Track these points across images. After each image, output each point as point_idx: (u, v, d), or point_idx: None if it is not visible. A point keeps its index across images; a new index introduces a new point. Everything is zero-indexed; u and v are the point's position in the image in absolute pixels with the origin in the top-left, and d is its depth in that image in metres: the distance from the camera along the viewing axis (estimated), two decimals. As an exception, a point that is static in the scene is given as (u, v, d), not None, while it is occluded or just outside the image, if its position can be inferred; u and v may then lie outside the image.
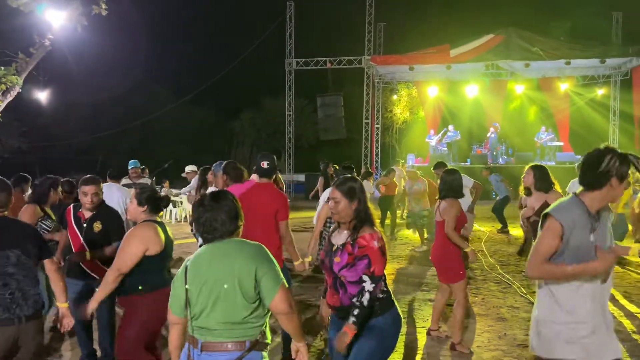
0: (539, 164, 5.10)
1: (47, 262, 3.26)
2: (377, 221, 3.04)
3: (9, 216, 3.29)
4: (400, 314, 3.08)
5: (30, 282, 3.09)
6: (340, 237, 2.98)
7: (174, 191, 14.91)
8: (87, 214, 4.23)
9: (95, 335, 4.47)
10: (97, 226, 4.18)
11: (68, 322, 3.32)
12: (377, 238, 2.87)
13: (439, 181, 5.48)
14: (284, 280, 2.50)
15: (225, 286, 2.38)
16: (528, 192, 4.98)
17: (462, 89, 21.54)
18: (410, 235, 10.92)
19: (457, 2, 30.23)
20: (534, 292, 2.96)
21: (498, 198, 12.29)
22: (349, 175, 3.15)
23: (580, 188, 2.57)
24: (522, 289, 6.90)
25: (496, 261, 8.80)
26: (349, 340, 2.79)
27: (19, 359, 3.04)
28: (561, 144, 20.38)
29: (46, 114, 24.56)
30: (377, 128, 22.87)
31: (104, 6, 7.91)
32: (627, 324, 5.58)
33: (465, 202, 7.24)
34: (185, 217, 14.04)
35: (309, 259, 5.12)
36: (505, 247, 10.21)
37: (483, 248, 9.87)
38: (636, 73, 19.26)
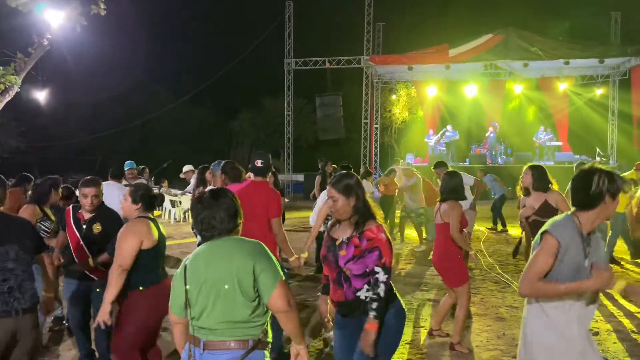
0: (536, 164, 5.11)
1: (44, 256, 3.43)
2: (380, 218, 3.03)
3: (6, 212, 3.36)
4: (404, 307, 3.07)
5: (28, 277, 3.17)
6: (342, 232, 2.96)
7: (173, 191, 14.91)
8: (87, 216, 4.22)
9: (94, 335, 4.47)
10: (97, 228, 4.18)
11: (51, 310, 3.60)
12: (383, 230, 2.90)
13: (439, 181, 5.48)
14: (283, 277, 2.45)
15: (225, 286, 2.35)
16: (526, 192, 4.99)
17: (461, 89, 21.54)
18: (409, 235, 10.92)
19: (456, 2, 30.21)
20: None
21: (495, 197, 12.39)
22: (345, 172, 3.13)
23: (573, 208, 2.61)
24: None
25: (495, 261, 8.80)
26: (375, 336, 2.76)
27: (17, 354, 3.06)
28: (560, 143, 20.38)
29: (45, 113, 24.52)
30: (376, 128, 22.87)
31: (102, 6, 7.92)
32: (626, 323, 5.59)
33: (467, 200, 7.27)
34: (184, 217, 14.03)
35: (305, 255, 5.11)
36: (504, 246, 10.22)
37: (482, 248, 9.88)
38: (635, 73, 19.27)
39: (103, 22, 8.70)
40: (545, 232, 2.53)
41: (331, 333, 3.16)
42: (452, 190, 4.85)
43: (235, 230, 2.55)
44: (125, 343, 3.57)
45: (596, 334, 5.22)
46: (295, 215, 14.30)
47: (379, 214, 3.04)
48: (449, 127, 20.82)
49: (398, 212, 12.66)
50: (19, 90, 8.10)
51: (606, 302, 6.34)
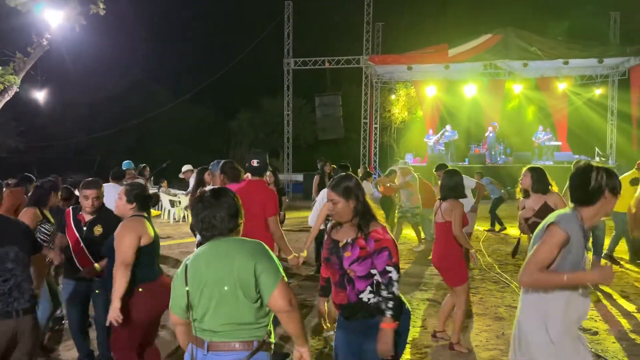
0: (536, 165, 5.11)
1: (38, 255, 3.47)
2: (382, 218, 3.02)
3: (3, 214, 3.38)
4: (409, 308, 3.07)
5: (26, 277, 3.18)
6: (345, 234, 2.95)
7: (172, 191, 14.90)
8: (87, 217, 4.22)
9: (93, 335, 4.46)
10: (98, 230, 4.17)
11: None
12: (388, 231, 2.91)
13: (439, 182, 5.49)
14: (285, 277, 2.42)
15: (226, 287, 2.32)
16: (526, 194, 4.98)
17: (461, 89, 21.55)
18: (408, 234, 10.92)
19: (455, 2, 30.22)
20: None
21: (493, 198, 12.47)
22: (344, 174, 3.11)
23: (572, 205, 2.61)
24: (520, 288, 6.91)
25: (494, 260, 8.81)
26: (393, 337, 2.75)
27: (17, 355, 3.07)
28: (559, 143, 20.40)
29: (44, 113, 24.49)
30: (376, 128, 22.87)
31: (102, 6, 7.91)
32: (624, 322, 5.60)
33: (468, 202, 7.30)
34: (184, 216, 14.03)
35: (304, 254, 5.12)
36: (503, 246, 10.22)
37: (481, 247, 9.88)
38: (634, 73, 19.28)
39: (102, 21, 8.69)
40: (552, 223, 2.51)
41: (331, 333, 3.15)
42: (451, 188, 4.85)
43: (236, 230, 2.51)
44: (124, 341, 3.57)
45: (595, 333, 5.23)
46: (294, 215, 14.30)
47: (380, 215, 3.04)
48: (447, 127, 20.83)
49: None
50: (17, 90, 8.09)
51: (605, 302, 6.35)
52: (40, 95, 13.63)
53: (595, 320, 5.63)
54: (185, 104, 30.43)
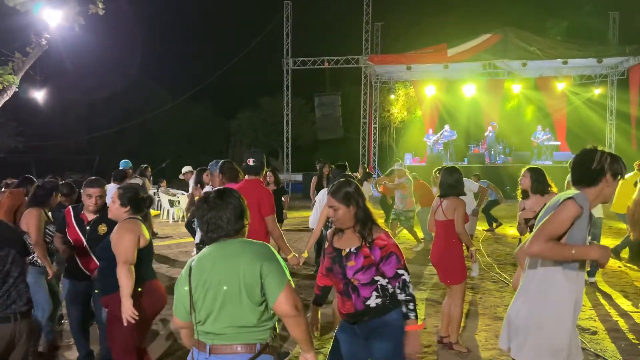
0: (535, 166, 5.10)
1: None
2: (381, 221, 3.01)
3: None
4: None
5: (23, 280, 3.17)
6: (347, 241, 2.92)
7: (172, 191, 14.90)
8: (90, 216, 4.21)
9: (94, 334, 4.46)
10: (103, 229, 4.15)
11: None
12: (390, 235, 2.91)
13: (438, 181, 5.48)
14: (291, 281, 2.36)
15: (230, 289, 2.26)
16: (525, 194, 4.98)
17: (460, 89, 21.56)
18: (406, 234, 10.92)
19: (454, 2, 30.28)
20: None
21: (489, 199, 12.54)
22: (344, 179, 3.07)
23: (572, 189, 2.59)
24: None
25: (493, 260, 8.82)
26: (419, 337, 2.76)
27: (14, 358, 3.06)
28: (558, 143, 20.40)
29: (43, 113, 24.46)
30: (375, 128, 22.88)
31: (101, 5, 7.90)
32: (622, 322, 5.60)
33: (470, 205, 7.32)
34: (183, 216, 14.03)
35: (305, 255, 5.11)
36: (502, 246, 10.24)
37: (480, 247, 9.89)
38: (633, 72, 19.30)
39: (101, 21, 8.69)
40: (570, 198, 2.45)
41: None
42: (452, 185, 4.84)
43: (242, 232, 2.44)
44: (120, 343, 3.56)
45: (594, 333, 5.23)
46: (294, 215, 14.30)
47: (380, 216, 3.04)
48: (446, 127, 20.80)
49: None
50: (16, 89, 8.08)
51: (603, 301, 6.36)
52: (39, 95, 13.60)
53: (595, 320, 5.63)
54: (185, 104, 30.45)
